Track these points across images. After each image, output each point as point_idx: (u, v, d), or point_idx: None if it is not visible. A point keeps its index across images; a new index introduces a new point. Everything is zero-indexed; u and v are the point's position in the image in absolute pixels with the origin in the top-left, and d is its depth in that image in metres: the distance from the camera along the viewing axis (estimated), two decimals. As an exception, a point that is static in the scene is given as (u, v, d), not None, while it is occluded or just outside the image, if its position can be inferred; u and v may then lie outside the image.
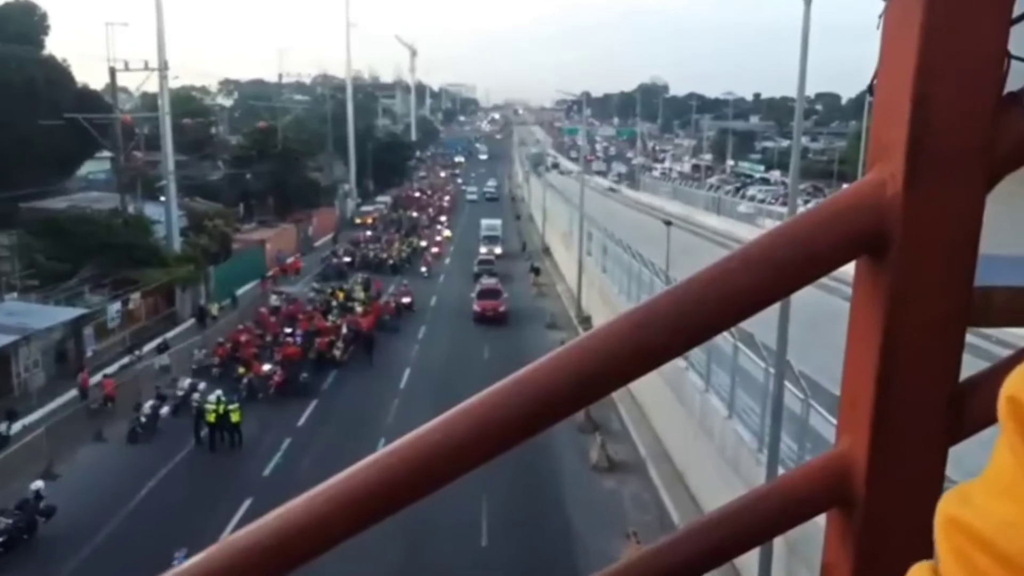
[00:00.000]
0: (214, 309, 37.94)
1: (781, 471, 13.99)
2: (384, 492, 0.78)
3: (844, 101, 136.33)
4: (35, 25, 37.17)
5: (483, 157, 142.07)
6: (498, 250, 54.56)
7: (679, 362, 19.76)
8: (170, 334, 34.41)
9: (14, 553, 17.19)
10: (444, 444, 0.78)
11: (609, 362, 0.77)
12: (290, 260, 51.20)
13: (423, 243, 58.93)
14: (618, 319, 0.79)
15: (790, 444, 14.46)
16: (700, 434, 19.31)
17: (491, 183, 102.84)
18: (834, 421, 12.21)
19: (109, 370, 29.34)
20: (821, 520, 1.00)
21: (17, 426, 23.84)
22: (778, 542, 12.78)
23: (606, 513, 19.50)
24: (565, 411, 0.79)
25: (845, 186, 0.91)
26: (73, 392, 27.19)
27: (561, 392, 0.77)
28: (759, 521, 0.94)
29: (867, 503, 0.86)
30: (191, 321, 36.77)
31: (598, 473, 21.62)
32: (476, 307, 37.98)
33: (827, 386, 14.35)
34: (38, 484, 19.01)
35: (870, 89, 0.90)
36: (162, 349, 32.19)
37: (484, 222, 59.79)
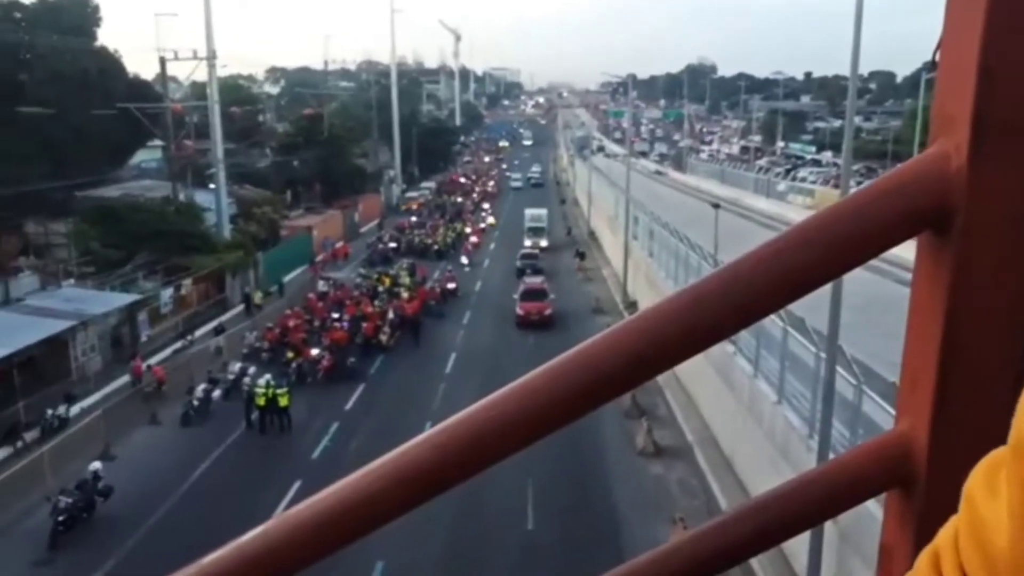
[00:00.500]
0: (258, 297, 38.07)
1: (833, 457, 13.72)
2: (437, 469, 0.78)
3: (899, 79, 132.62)
4: (88, 17, 38.01)
5: (527, 143, 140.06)
6: (544, 243, 51.20)
7: (727, 347, 19.48)
8: (221, 319, 35.13)
9: (74, 531, 17.74)
10: (497, 421, 0.78)
11: (663, 340, 0.77)
12: (339, 245, 52.10)
13: (467, 229, 58.64)
14: (673, 297, 0.78)
15: (842, 430, 14.15)
16: (748, 419, 19.03)
17: (535, 169, 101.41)
18: (888, 407, 11.94)
19: (163, 355, 30.13)
20: (871, 506, 0.98)
21: (75, 409, 24.60)
22: (828, 528, 12.55)
23: (652, 498, 19.37)
24: (617, 390, 0.78)
25: (904, 162, 0.82)
26: (129, 376, 27.95)
27: (614, 371, 0.77)
28: (815, 502, 0.93)
29: (928, 484, 0.85)
30: (241, 307, 37.47)
31: (644, 458, 21.48)
32: (519, 310, 34.31)
33: (880, 371, 14.01)
34: (96, 465, 19.57)
35: (933, 60, 0.86)
36: (219, 331, 33.30)
37: (529, 212, 55.63)
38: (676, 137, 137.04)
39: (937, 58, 0.86)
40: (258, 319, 34.36)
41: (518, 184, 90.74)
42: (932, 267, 0.84)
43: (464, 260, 49.37)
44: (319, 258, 48.25)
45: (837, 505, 0.93)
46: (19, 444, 22.38)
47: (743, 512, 0.94)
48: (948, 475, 0.80)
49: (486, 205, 71.61)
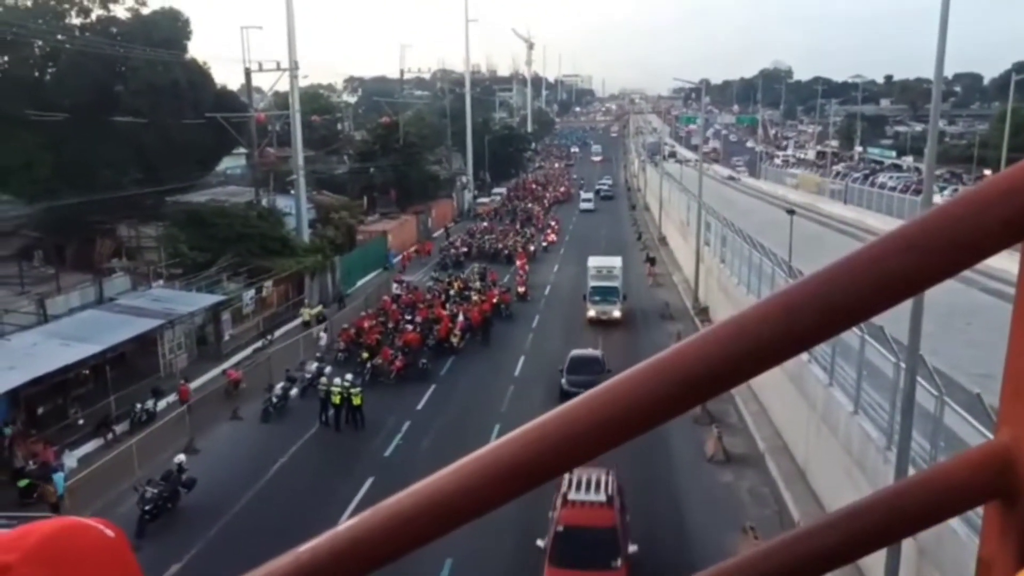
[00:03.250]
0: (307, 314, 36.22)
1: (912, 471, 13.35)
2: (525, 467, 0.79)
3: (986, 81, 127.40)
4: (179, 31, 39.69)
5: (596, 159, 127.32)
6: (616, 313, 35.39)
7: (801, 355, 19.11)
8: (294, 323, 36.17)
9: (160, 521, 18.56)
10: (586, 422, 0.78)
11: (756, 344, 0.75)
12: (410, 250, 54.81)
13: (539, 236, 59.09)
14: (766, 301, 0.77)
15: (921, 443, 13.77)
16: (823, 429, 18.66)
17: (606, 181, 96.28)
18: (971, 419, 11.59)
19: (244, 353, 31.33)
20: (952, 520, 0.93)
21: (162, 403, 25.72)
22: (906, 542, 12.24)
23: (723, 506, 19.14)
24: (708, 393, 0.77)
25: (1012, 166, 0.86)
26: (213, 373, 29.07)
27: (704, 374, 0.75)
28: (908, 512, 0.89)
29: None
30: (319, 308, 38.51)
31: (714, 466, 21.25)
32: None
33: (963, 382, 13.60)
34: (180, 457, 20.47)
35: None
36: (320, 320, 35.12)
37: (594, 263, 38.33)
38: (750, 143, 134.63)
39: None
40: (335, 319, 35.19)
41: (589, 206, 77.92)
42: None
43: (520, 289, 43.69)
44: (396, 259, 49.50)
45: (931, 517, 0.90)
46: (109, 436, 23.54)
47: (828, 522, 0.90)
48: None
49: (552, 223, 65.90)
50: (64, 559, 0.65)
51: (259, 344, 32.98)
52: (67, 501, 19.13)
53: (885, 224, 44.06)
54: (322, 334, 32.35)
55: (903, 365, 13.46)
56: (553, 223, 65.33)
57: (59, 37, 36.24)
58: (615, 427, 0.77)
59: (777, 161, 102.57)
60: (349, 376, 25.19)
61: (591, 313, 35.33)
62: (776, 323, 0.75)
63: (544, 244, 56.71)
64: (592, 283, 36.28)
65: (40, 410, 23.77)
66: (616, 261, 38.96)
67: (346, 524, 0.81)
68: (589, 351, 28.36)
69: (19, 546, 0.64)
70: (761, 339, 0.75)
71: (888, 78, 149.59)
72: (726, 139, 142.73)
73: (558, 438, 0.78)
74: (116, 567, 0.68)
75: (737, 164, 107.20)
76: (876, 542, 0.90)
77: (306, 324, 35.29)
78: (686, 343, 0.77)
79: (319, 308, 37.21)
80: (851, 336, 16.80)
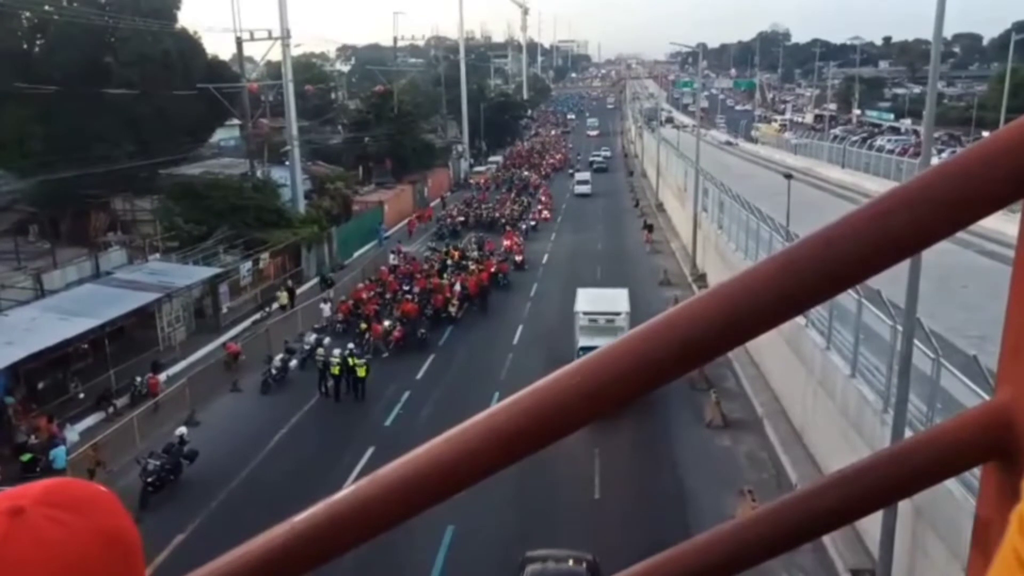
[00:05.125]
0: (283, 299, 33.75)
1: (908, 432, 13.45)
2: (523, 432, 0.79)
3: (986, 42, 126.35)
4: (169, 0, 39.17)
5: (592, 133, 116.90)
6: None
7: (798, 319, 19.17)
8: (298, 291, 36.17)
9: (163, 492, 18.71)
10: (585, 386, 0.77)
11: (755, 305, 0.74)
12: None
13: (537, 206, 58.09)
14: (766, 261, 0.76)
15: (919, 405, 13.86)
16: (820, 393, 18.77)
17: (604, 152, 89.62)
18: (968, 381, 11.64)
19: (243, 325, 31.40)
20: (948, 481, 0.92)
21: (162, 377, 25.79)
22: (902, 503, 12.37)
23: (721, 470, 19.32)
24: (709, 355, 0.77)
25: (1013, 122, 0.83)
26: (212, 345, 29.11)
27: (705, 335, 0.75)
28: (908, 473, 0.90)
29: None
30: (316, 279, 38.49)
31: (712, 430, 21.41)
32: None
33: (960, 344, 13.65)
34: (182, 430, 20.58)
35: None
36: (329, 284, 35.26)
37: (585, 302, 25.14)
38: (747, 107, 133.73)
39: None
40: (334, 291, 35.17)
41: (585, 189, 66.74)
42: None
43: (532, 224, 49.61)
44: (387, 234, 49.07)
45: (931, 476, 0.91)
46: (110, 410, 23.64)
47: (829, 483, 0.91)
48: None
49: (544, 198, 61.07)
50: (69, 503, 0.76)
51: (257, 316, 33.00)
52: (70, 474, 19.24)
53: (881, 187, 43.84)
54: (324, 305, 32.30)
55: (900, 328, 13.51)
56: (544, 198, 60.34)
57: (47, 8, 35.75)
58: (615, 389, 0.77)
59: (774, 124, 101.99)
60: (351, 346, 25.24)
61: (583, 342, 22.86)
62: (777, 283, 0.74)
63: (533, 223, 51.32)
64: (583, 339, 22.79)
65: (40, 385, 23.84)
66: (619, 298, 25.38)
67: (341, 493, 0.81)
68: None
69: (28, 492, 0.75)
70: (760, 300, 0.74)
71: (887, 39, 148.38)
72: (715, 100, 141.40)
73: (557, 402, 0.78)
74: (112, 514, 0.78)
75: (719, 123, 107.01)
76: (877, 502, 0.91)
77: (282, 308, 33.14)
78: (685, 304, 0.77)
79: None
80: (848, 300, 16.82)
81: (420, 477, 0.80)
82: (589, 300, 25.49)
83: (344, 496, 0.81)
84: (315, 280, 37.93)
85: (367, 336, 28.11)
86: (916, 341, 12.93)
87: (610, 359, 0.77)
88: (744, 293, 0.75)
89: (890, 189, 0.76)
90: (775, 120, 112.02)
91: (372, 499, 0.81)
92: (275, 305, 33.72)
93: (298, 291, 36.06)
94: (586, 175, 70.60)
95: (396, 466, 0.81)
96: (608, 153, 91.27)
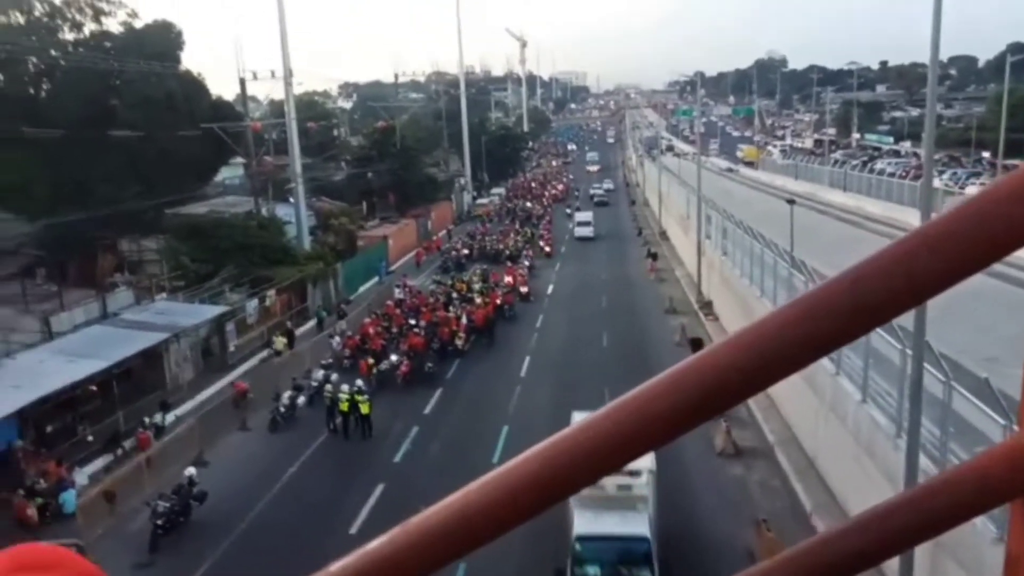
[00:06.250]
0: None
1: (922, 457, 13.33)
2: (544, 483, 0.77)
3: (981, 63, 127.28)
4: (172, 43, 39.71)
5: (593, 168, 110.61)
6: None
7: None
8: (301, 329, 36.17)
9: (172, 535, 18.55)
10: (614, 432, 0.76)
11: (783, 348, 0.73)
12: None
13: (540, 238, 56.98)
14: (789, 305, 0.75)
15: (931, 429, 13.75)
16: (831, 419, 18.64)
17: (607, 183, 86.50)
18: (979, 403, 11.56)
19: (250, 363, 31.32)
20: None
21: (171, 417, 25.73)
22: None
23: (734, 500, 19.14)
24: (734, 400, 0.75)
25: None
26: (219, 384, 29.06)
27: (732, 380, 0.74)
28: (934, 512, 0.88)
29: None
30: (324, 314, 38.49)
31: (724, 459, 21.23)
32: None
33: (970, 367, 13.57)
34: (191, 471, 20.47)
35: None
36: (341, 315, 35.40)
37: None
38: (747, 133, 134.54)
39: None
40: (336, 326, 35.20)
41: (587, 232, 58.36)
42: None
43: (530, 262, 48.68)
44: (388, 272, 48.51)
45: (957, 516, 0.89)
46: (119, 452, 23.54)
47: (855, 525, 0.90)
48: None
49: (544, 232, 59.08)
50: (37, 565, 0.77)
51: (264, 354, 32.98)
52: (80, 518, 19.13)
53: (881, 211, 44.00)
54: (332, 339, 32.28)
55: (909, 352, 13.44)
56: (545, 233, 57.94)
57: (53, 53, 36.28)
58: (637, 439, 0.76)
59: (773, 151, 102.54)
60: (359, 382, 25.18)
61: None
62: (801, 325, 0.73)
63: (528, 263, 48.19)
64: (579, 523, 14.69)
65: (49, 428, 23.78)
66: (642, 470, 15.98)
67: (373, 543, 0.81)
68: None
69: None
70: (787, 342, 0.73)
71: (883, 64, 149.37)
72: (714, 127, 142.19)
73: (581, 451, 0.77)
74: (80, 574, 0.79)
75: (712, 147, 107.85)
76: (903, 543, 0.89)
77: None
78: (709, 350, 0.76)
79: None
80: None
81: (453, 525, 0.79)
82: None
83: (376, 546, 0.81)
84: (313, 322, 37.68)
85: (374, 371, 28.04)
86: (926, 364, 12.87)
87: (635, 406, 0.76)
88: (770, 337, 0.74)
89: (914, 229, 0.75)
90: (772, 144, 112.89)
91: (404, 549, 0.80)
92: (271, 349, 32.75)
93: (302, 329, 36.05)
94: (587, 215, 61.87)
95: (428, 515, 0.80)
96: (611, 185, 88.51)
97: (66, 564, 0.80)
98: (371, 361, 28.53)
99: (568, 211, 68.24)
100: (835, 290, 0.74)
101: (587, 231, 57.62)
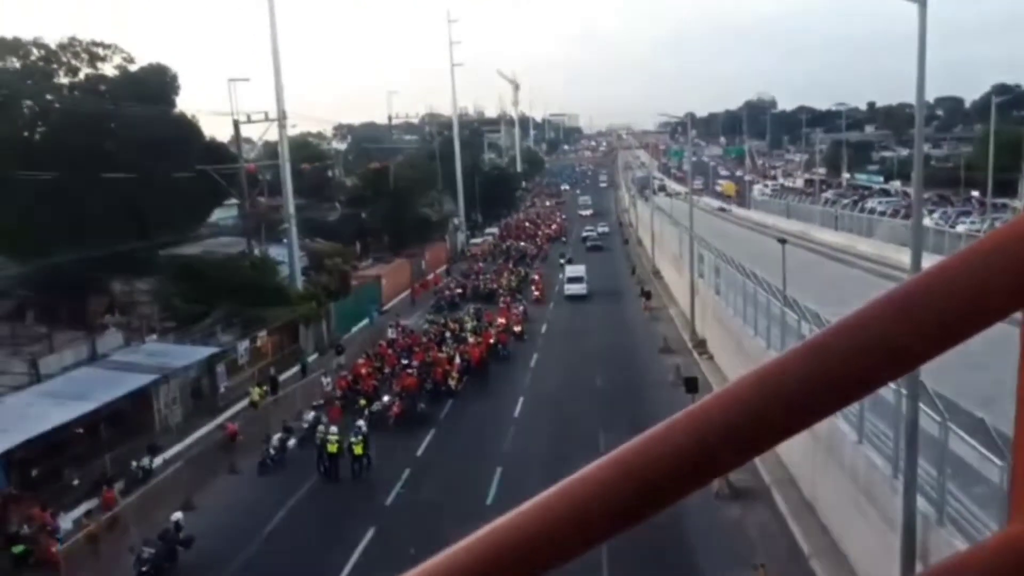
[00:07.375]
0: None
1: (920, 499, 13.17)
2: (522, 554, 0.71)
3: (967, 104, 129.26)
4: (167, 86, 40.07)
5: (586, 213, 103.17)
6: None
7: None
8: (290, 372, 35.85)
9: (159, 581, 18.16)
10: (594, 498, 0.70)
11: (783, 401, 0.67)
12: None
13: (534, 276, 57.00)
14: (789, 353, 0.68)
15: (928, 469, 13.61)
16: (828, 460, 18.45)
17: (602, 227, 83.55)
18: (975, 444, 11.44)
19: (241, 404, 30.96)
20: None
21: (159, 460, 25.35)
22: None
23: (731, 544, 18.84)
24: (748, 455, 0.68)
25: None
26: (209, 427, 28.68)
27: (726, 439, 0.68)
28: None
29: None
30: (316, 355, 38.24)
31: (720, 501, 20.95)
32: None
33: (966, 406, 13.47)
34: (178, 515, 20.07)
35: None
36: (339, 351, 35.41)
37: None
38: (739, 172, 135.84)
39: None
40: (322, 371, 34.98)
41: (579, 290, 50.28)
42: None
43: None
44: (378, 316, 47.63)
45: None
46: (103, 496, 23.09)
47: None
48: None
49: (535, 277, 55.94)
50: None
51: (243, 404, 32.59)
52: (64, 565, 18.70)
53: (872, 249, 44.25)
54: (326, 378, 32.03)
55: (904, 392, 13.36)
56: (537, 276, 55.79)
57: (48, 97, 36.50)
58: (627, 507, 0.70)
59: (765, 191, 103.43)
60: (361, 423, 24.88)
61: None
62: (804, 377, 0.66)
63: (522, 309, 45.56)
64: None
65: (34, 471, 23.38)
66: None
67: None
68: None
69: None
70: (790, 395, 0.67)
71: (871, 105, 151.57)
72: (706, 167, 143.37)
73: (565, 517, 0.70)
74: None
75: (696, 184, 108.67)
76: None
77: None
78: (705, 402, 0.69)
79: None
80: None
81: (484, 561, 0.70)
82: None
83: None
84: (315, 356, 37.48)
85: (365, 412, 27.73)
86: (922, 404, 12.77)
87: (624, 468, 0.69)
88: (771, 387, 0.67)
89: (925, 271, 0.68)
90: (757, 182, 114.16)
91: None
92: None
93: (292, 371, 35.71)
94: (579, 269, 52.84)
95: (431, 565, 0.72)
96: (605, 229, 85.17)
97: None
98: (386, 400, 28.41)
99: (561, 261, 61.26)
100: (846, 333, 0.66)
101: (579, 288, 50.01)
